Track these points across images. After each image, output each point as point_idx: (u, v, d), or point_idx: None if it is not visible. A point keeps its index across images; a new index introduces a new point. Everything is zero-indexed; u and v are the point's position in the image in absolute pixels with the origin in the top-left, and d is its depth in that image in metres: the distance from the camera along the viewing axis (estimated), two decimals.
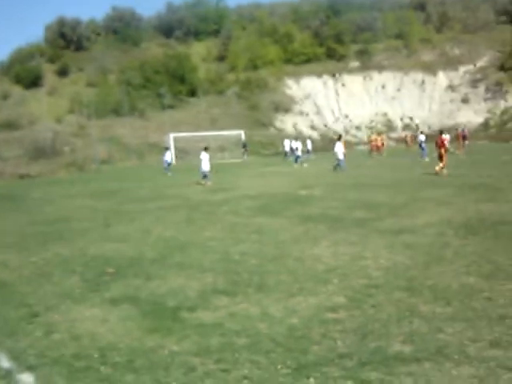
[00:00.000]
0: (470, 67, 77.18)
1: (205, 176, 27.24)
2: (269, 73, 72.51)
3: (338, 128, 69.86)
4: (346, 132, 66.59)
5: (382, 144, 49.50)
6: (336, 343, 5.97)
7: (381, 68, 77.35)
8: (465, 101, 71.86)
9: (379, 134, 55.08)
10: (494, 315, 6.55)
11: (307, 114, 70.54)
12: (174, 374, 5.45)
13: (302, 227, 13.24)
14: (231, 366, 5.56)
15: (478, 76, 74.63)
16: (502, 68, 72.21)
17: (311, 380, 5.13)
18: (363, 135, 67.91)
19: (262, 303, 7.50)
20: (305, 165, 38.06)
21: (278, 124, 66.91)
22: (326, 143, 64.15)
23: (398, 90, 75.61)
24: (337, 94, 74.38)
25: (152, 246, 11.97)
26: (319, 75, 74.87)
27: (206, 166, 27.25)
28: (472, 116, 67.69)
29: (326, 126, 70.02)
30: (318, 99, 72.77)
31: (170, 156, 39.42)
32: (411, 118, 72.54)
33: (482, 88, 72.24)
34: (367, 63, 77.94)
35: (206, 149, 28.23)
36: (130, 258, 10.83)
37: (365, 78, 76.22)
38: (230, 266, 9.67)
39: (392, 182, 22.87)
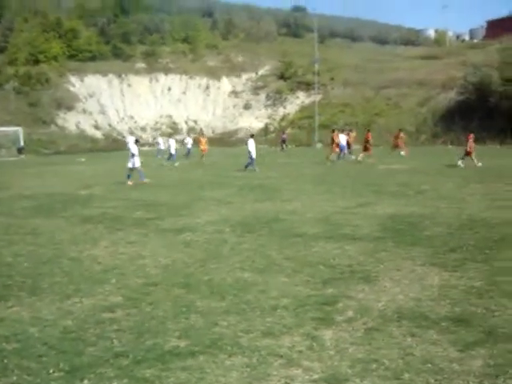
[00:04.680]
0: (253, 75, 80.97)
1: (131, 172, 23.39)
2: (51, 68, 69.38)
3: (123, 128, 69.14)
4: (131, 133, 66.10)
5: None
6: (112, 343, 5.87)
7: (167, 70, 77.98)
8: (247, 107, 75.12)
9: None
10: (267, 306, 6.87)
11: (91, 113, 68.76)
12: None
13: (81, 228, 12.86)
14: None
15: (260, 84, 78.51)
16: (281, 77, 76.73)
17: (85, 382, 4.99)
18: (148, 136, 68.05)
19: (35, 306, 7.15)
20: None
21: (59, 122, 64.26)
22: (109, 143, 63.27)
23: (184, 93, 76.81)
24: (122, 94, 73.50)
25: None
26: (104, 74, 73.41)
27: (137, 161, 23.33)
28: (253, 121, 70.94)
29: (110, 125, 68.88)
30: (103, 98, 71.31)
31: None
32: (195, 122, 74.08)
33: (263, 95, 76.07)
34: (154, 65, 78.11)
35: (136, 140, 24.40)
36: None
37: (151, 80, 76.35)
38: (0, 270, 9.08)
39: (176, 183, 23.16)
